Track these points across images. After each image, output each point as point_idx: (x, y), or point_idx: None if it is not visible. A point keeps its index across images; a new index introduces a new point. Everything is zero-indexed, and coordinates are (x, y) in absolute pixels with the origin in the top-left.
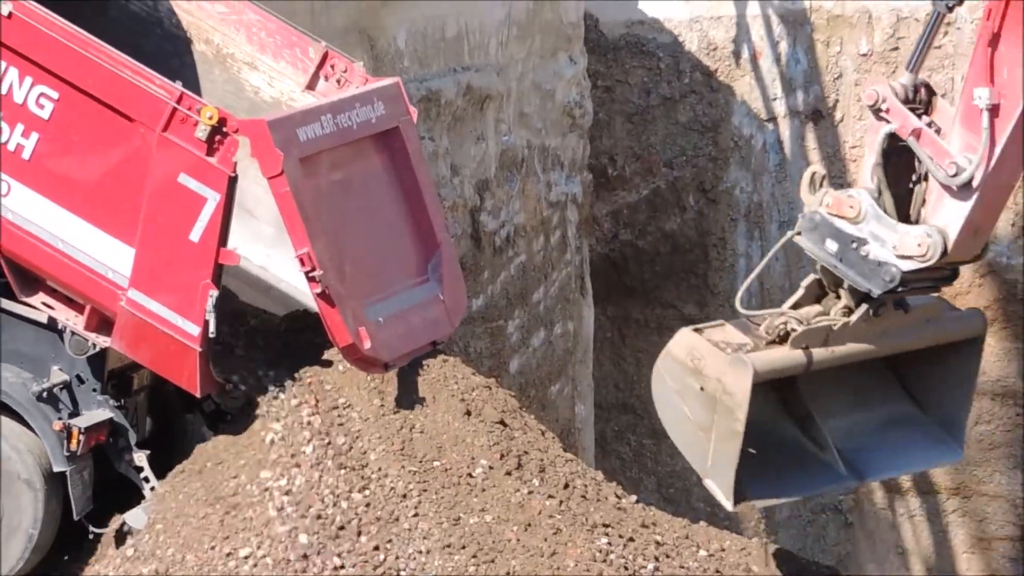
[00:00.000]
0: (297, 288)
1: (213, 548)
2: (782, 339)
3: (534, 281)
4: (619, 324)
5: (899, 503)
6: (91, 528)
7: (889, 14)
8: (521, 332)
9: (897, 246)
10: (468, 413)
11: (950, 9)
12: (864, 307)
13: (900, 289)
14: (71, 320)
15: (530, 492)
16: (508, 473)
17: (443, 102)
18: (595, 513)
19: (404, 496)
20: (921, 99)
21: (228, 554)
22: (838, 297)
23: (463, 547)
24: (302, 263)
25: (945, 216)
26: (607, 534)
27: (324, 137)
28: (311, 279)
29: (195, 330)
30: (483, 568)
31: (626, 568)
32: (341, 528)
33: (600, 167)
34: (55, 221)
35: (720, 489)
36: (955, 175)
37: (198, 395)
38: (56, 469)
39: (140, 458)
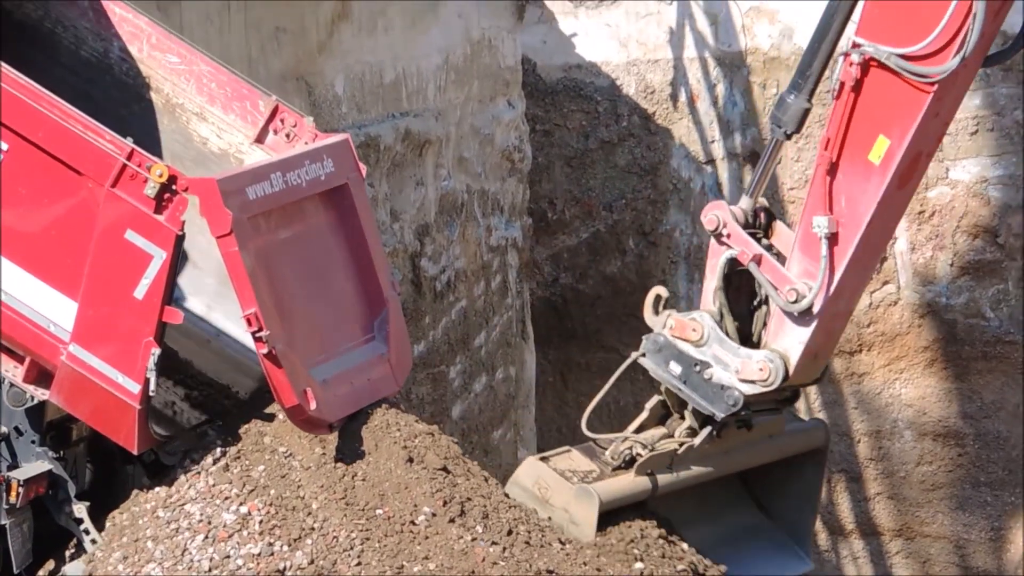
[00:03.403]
0: (237, 341)
1: None
2: (628, 464)
3: (475, 326)
4: (561, 368)
5: (843, 545)
6: None
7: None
8: (463, 377)
9: (740, 370)
10: (411, 460)
11: (788, 137)
12: (708, 429)
13: (743, 412)
14: (10, 371)
15: (473, 539)
16: (451, 520)
17: (382, 148)
18: (539, 559)
19: (347, 545)
20: (761, 223)
21: None
22: (682, 418)
23: None
24: (249, 323)
25: (786, 341)
26: None
27: (273, 195)
28: (258, 339)
29: (135, 387)
30: None
31: None
32: None
33: (540, 211)
34: None
35: None
36: (795, 302)
37: (135, 452)
38: None
39: (80, 510)
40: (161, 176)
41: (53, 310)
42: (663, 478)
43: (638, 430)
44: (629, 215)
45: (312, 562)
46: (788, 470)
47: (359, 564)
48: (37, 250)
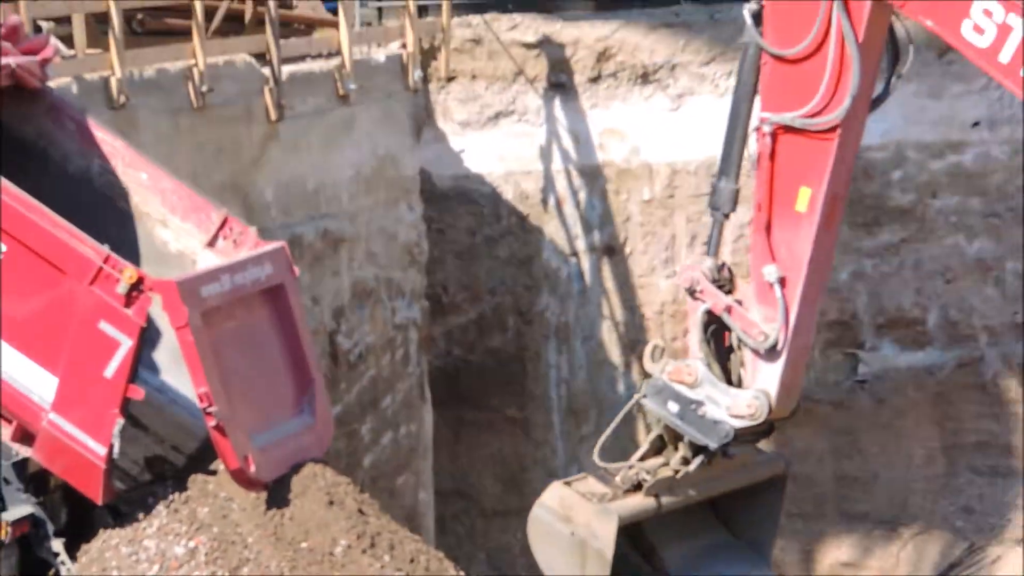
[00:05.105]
0: (186, 410)
1: None
2: (636, 487)
3: (383, 391)
4: (454, 425)
5: None
6: None
7: (665, 167)
8: (372, 433)
9: (730, 407)
10: (331, 503)
11: (727, 217)
12: (701, 458)
13: (730, 443)
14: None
15: (382, 567)
16: (364, 551)
17: (304, 244)
18: None
19: (277, 573)
20: (725, 277)
21: None
22: (676, 449)
23: None
24: (201, 400)
25: (763, 380)
26: None
27: (223, 293)
28: (207, 413)
29: (102, 450)
30: None
31: None
32: None
33: (435, 295)
34: None
35: None
36: (764, 341)
37: (100, 503)
38: None
39: (57, 545)
40: (131, 278)
41: (37, 383)
42: (665, 499)
43: (641, 459)
44: (508, 298)
45: None
46: (754, 496)
47: None
48: (26, 333)
